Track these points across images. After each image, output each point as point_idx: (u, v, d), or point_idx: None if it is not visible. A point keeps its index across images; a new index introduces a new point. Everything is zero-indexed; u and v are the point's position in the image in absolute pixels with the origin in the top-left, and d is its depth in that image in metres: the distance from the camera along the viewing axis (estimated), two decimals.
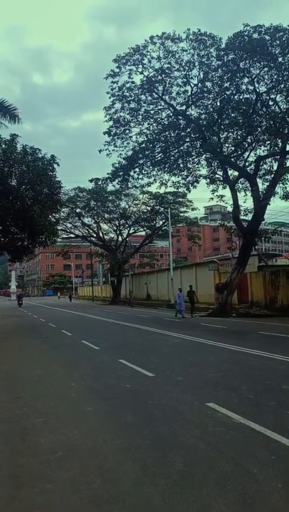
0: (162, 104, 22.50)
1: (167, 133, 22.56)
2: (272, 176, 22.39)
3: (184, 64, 21.06)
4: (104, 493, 3.48)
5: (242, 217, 23.73)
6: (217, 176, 23.20)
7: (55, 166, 20.42)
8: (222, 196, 24.31)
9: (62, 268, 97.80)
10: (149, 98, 22.24)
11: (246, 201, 25.66)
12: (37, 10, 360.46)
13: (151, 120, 22.98)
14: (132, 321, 21.00)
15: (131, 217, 46.58)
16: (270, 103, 20.88)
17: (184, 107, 22.21)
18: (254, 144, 22.37)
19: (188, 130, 22.30)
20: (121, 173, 23.78)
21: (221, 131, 21.80)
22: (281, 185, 22.82)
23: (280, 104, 20.76)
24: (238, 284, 23.53)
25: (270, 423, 4.97)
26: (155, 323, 19.45)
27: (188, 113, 22.35)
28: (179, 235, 52.41)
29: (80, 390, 7.19)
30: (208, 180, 23.25)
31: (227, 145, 22.70)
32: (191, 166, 24.03)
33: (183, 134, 22.52)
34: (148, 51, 20.98)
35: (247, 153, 22.97)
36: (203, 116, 22.17)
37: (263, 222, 25.93)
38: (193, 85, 21.56)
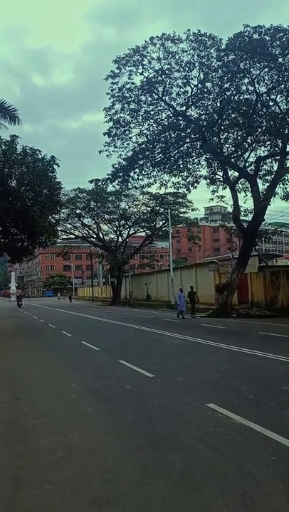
0: (162, 104, 22.52)
1: (167, 133, 22.57)
2: (272, 176, 22.40)
3: (184, 65, 21.08)
4: (104, 494, 3.48)
5: (242, 218, 23.74)
6: (217, 176, 23.23)
7: (55, 166, 20.43)
8: (222, 197, 24.37)
9: (62, 269, 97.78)
10: (149, 99, 22.26)
11: (246, 202, 25.72)
12: (37, 11, 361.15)
13: (151, 121, 23.01)
14: (131, 322, 20.99)
15: (131, 218, 46.59)
16: (271, 103, 20.91)
17: (184, 108, 22.23)
18: (254, 145, 22.39)
19: (189, 131, 22.31)
20: (121, 174, 23.80)
21: (221, 131, 21.81)
22: (281, 185, 22.86)
23: (280, 104, 20.80)
24: (238, 284, 23.52)
25: (271, 424, 4.96)
26: (155, 324, 19.44)
27: (188, 114, 22.38)
28: (179, 235, 52.40)
29: (80, 391, 7.18)
30: (208, 180, 23.28)
31: (227, 145, 22.72)
32: (191, 166, 24.06)
33: (183, 134, 22.53)
34: (148, 52, 21.02)
35: (247, 154, 23.03)
36: (203, 116, 22.18)
37: (263, 222, 25.94)
38: (193, 86, 21.61)
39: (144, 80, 21.53)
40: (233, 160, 22.64)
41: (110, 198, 44.01)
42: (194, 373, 8.20)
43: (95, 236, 49.63)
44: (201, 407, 5.81)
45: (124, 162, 23.23)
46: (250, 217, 23.39)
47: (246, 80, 20.42)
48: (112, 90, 21.85)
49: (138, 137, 23.09)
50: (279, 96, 20.63)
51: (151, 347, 12.31)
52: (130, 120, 22.67)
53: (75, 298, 73.84)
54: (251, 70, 19.89)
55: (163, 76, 21.42)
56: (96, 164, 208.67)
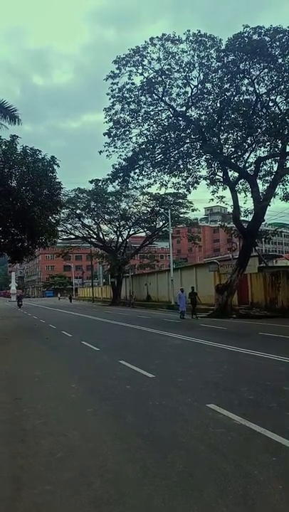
0: (162, 105, 22.51)
1: (167, 134, 22.56)
2: (272, 177, 22.39)
3: (184, 65, 21.08)
4: (104, 494, 3.48)
5: (242, 218, 23.73)
6: (217, 177, 23.20)
7: (55, 167, 20.44)
8: (222, 197, 24.32)
9: (63, 269, 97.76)
10: (149, 99, 22.25)
11: (246, 202, 25.72)
12: (37, 11, 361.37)
13: (151, 121, 23.00)
14: (132, 322, 20.98)
15: (131, 218, 46.56)
16: (270, 104, 20.90)
17: (184, 108, 22.22)
18: (254, 145, 22.38)
19: (189, 131, 22.30)
20: (121, 174, 23.79)
21: (221, 132, 21.80)
22: (281, 186, 22.86)
23: (280, 105, 20.78)
24: (238, 285, 23.51)
25: (271, 424, 4.96)
26: (155, 325, 19.43)
27: (188, 114, 22.37)
28: (179, 236, 52.36)
29: (80, 391, 7.18)
30: (208, 181, 23.25)
31: (227, 146, 22.70)
32: (191, 167, 24.04)
33: (183, 135, 22.52)
34: (148, 52, 21.01)
35: (247, 154, 23.02)
36: (203, 117, 22.17)
37: (263, 223, 25.93)
38: (193, 86, 21.60)
39: (144, 80, 21.54)
40: (233, 160, 22.64)
41: (110, 199, 43.98)
42: (194, 374, 8.20)
43: (95, 236, 49.62)
44: (201, 407, 5.81)
45: (124, 162, 23.22)
46: (250, 218, 23.39)
47: (246, 81, 20.44)
48: (112, 91, 21.87)
49: (138, 137, 23.11)
50: (279, 97, 20.64)
51: (152, 347, 12.31)
52: (130, 120, 22.67)
53: (76, 298, 73.81)
54: (251, 70, 19.89)
55: (163, 76, 21.43)
56: (96, 164, 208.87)
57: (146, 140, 22.81)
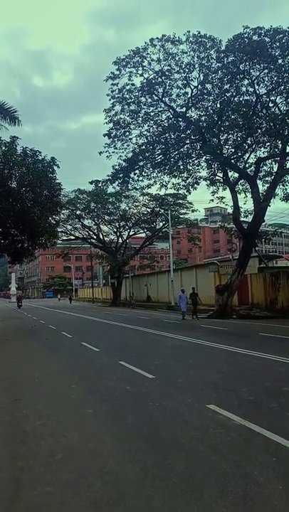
0: (162, 106, 22.53)
1: (167, 135, 22.57)
2: (272, 177, 22.39)
3: (184, 66, 21.10)
4: (104, 496, 3.47)
5: (242, 219, 23.74)
6: (217, 177, 23.21)
7: (55, 168, 20.48)
8: (222, 198, 24.34)
9: (63, 270, 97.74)
10: (149, 100, 22.27)
11: (246, 203, 25.66)
12: (37, 12, 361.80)
13: (151, 122, 23.01)
14: (132, 323, 20.98)
15: (131, 219, 46.59)
16: (270, 105, 20.91)
17: (184, 109, 22.23)
18: (254, 146, 22.39)
19: (189, 132, 22.32)
20: (121, 175, 23.81)
21: (221, 132, 21.81)
22: (281, 186, 22.86)
23: (280, 105, 20.79)
24: (238, 285, 23.51)
25: (271, 425, 4.95)
26: (155, 325, 19.43)
27: (188, 115, 22.38)
28: (179, 236, 52.31)
29: (80, 392, 7.18)
30: (208, 181, 23.26)
31: (227, 147, 22.70)
32: (191, 167, 24.05)
33: (183, 135, 22.54)
34: (148, 53, 21.03)
35: (247, 155, 23.02)
36: (203, 118, 22.18)
37: (263, 223, 25.93)
38: (193, 87, 21.61)
39: (144, 81, 21.56)
40: (233, 161, 22.65)
41: (110, 199, 44.02)
42: (194, 374, 8.20)
43: (95, 237, 49.64)
44: (202, 408, 5.80)
45: (124, 163, 23.24)
46: (250, 219, 23.40)
47: (246, 82, 20.45)
48: (112, 91, 21.89)
49: (138, 138, 23.13)
50: (279, 97, 20.65)
51: (152, 348, 12.30)
52: (130, 121, 22.68)
53: (75, 299, 73.81)
54: (251, 71, 19.91)
55: (163, 77, 21.44)
56: (96, 165, 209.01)
57: (146, 141, 22.83)
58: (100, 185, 41.51)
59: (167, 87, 21.80)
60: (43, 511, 3.32)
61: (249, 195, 23.18)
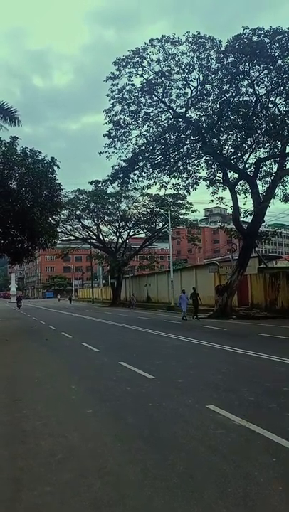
0: (162, 106, 22.53)
1: (167, 135, 22.57)
2: (272, 178, 22.41)
3: (183, 66, 21.10)
4: (104, 496, 3.47)
5: (242, 219, 23.76)
6: (217, 178, 23.23)
7: (55, 168, 20.49)
8: (222, 198, 24.39)
9: (62, 270, 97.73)
10: (149, 100, 22.27)
11: (246, 203, 25.69)
12: (36, 12, 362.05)
13: (151, 122, 23.01)
14: (132, 323, 20.98)
15: (131, 220, 46.60)
16: (270, 105, 20.92)
17: (183, 110, 22.24)
18: (254, 146, 22.40)
19: (188, 132, 22.33)
20: (121, 176, 23.81)
21: (220, 133, 21.82)
22: (281, 187, 22.90)
23: (279, 106, 20.80)
24: (238, 286, 23.51)
25: (271, 425, 4.95)
26: (155, 326, 19.43)
27: (188, 115, 22.38)
28: (179, 237, 52.30)
29: (80, 392, 7.18)
30: (208, 182, 23.28)
31: (227, 147, 22.72)
32: (190, 168, 24.06)
33: (183, 136, 22.54)
34: (148, 54, 21.03)
35: (247, 156, 23.02)
36: (202, 118, 22.19)
37: (263, 224, 25.95)
38: (192, 88, 21.62)
39: (144, 81, 21.56)
40: (232, 161, 22.66)
41: (110, 200, 44.02)
42: (194, 375, 8.20)
43: (94, 237, 49.65)
44: (202, 408, 5.80)
45: (124, 163, 23.24)
46: (249, 219, 23.41)
47: (246, 82, 20.45)
48: (111, 92, 21.88)
49: (138, 139, 23.12)
50: (278, 98, 20.65)
51: (152, 348, 12.30)
52: (130, 122, 22.68)
53: (75, 299, 73.80)
54: (251, 72, 19.91)
55: (163, 78, 21.45)
56: (96, 166, 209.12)
57: (146, 141, 22.83)
58: (99, 185, 41.54)
59: (167, 88, 21.81)
60: (43, 511, 3.32)
61: (249, 195, 23.21)
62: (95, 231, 49.07)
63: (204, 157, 23.13)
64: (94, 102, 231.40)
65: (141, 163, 23.36)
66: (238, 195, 23.33)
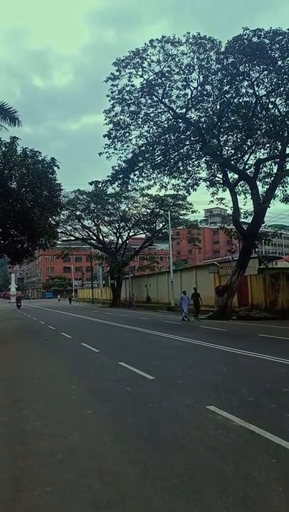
0: (162, 107, 22.54)
1: (167, 136, 22.58)
2: (272, 178, 22.43)
3: (183, 67, 21.11)
4: (104, 496, 3.48)
5: (242, 220, 23.76)
6: (217, 178, 23.25)
7: (55, 168, 20.49)
8: (222, 199, 24.41)
9: (62, 270, 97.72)
10: (149, 101, 22.28)
11: (246, 204, 25.78)
12: (37, 12, 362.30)
13: (151, 123, 23.03)
14: (131, 324, 20.97)
15: (131, 220, 46.59)
16: (270, 106, 20.94)
17: (183, 110, 22.25)
18: (254, 147, 22.42)
19: (188, 133, 22.34)
20: (121, 176, 23.81)
21: (220, 134, 21.84)
22: (281, 188, 22.92)
23: (279, 107, 20.81)
24: (238, 286, 23.51)
25: (271, 426, 4.96)
26: (155, 326, 19.43)
27: (188, 116, 22.40)
28: (179, 237, 52.27)
29: (80, 393, 7.18)
30: (208, 183, 23.30)
31: (227, 148, 22.74)
32: (191, 168, 24.08)
33: (183, 136, 22.55)
34: (148, 54, 21.04)
35: (247, 156, 23.03)
36: (203, 119, 22.21)
37: (263, 224, 25.97)
38: (193, 88, 21.62)
39: (144, 82, 21.57)
40: (232, 162, 22.67)
41: (110, 200, 44.02)
42: (194, 375, 8.20)
43: (94, 238, 49.63)
44: (201, 409, 5.81)
45: (124, 164, 23.24)
46: (250, 220, 23.42)
47: (246, 83, 20.47)
48: (112, 92, 21.89)
49: (138, 139, 23.13)
50: (278, 99, 20.66)
51: (151, 349, 12.30)
52: (130, 122, 22.69)
53: (75, 300, 73.78)
54: (251, 72, 19.93)
55: (163, 78, 21.46)
56: (96, 166, 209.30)
57: (146, 142, 22.84)
58: (99, 185, 41.42)
59: (167, 88, 21.82)
60: (43, 511, 3.32)
61: (249, 196, 23.23)
62: (95, 231, 49.06)
63: (204, 158, 23.15)
64: (94, 103, 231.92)
65: (141, 164, 23.36)
66: (238, 196, 23.36)
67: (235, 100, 20.93)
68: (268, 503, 3.29)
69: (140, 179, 24.24)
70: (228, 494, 3.42)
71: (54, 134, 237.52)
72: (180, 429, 5.04)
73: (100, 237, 49.67)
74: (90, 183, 43.38)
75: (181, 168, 23.86)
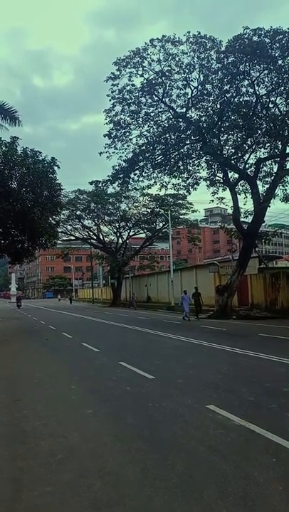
0: (162, 106, 22.52)
1: (167, 135, 22.58)
2: (272, 178, 22.42)
3: (184, 67, 21.09)
4: (104, 496, 3.47)
5: (242, 220, 23.74)
6: (217, 178, 23.23)
7: (56, 168, 20.49)
8: (222, 198, 24.38)
9: (63, 270, 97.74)
10: (150, 101, 22.26)
11: (246, 203, 25.69)
12: (37, 12, 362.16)
13: (152, 122, 23.01)
14: (131, 323, 20.98)
15: (131, 220, 46.57)
16: (270, 105, 20.91)
17: (184, 110, 22.23)
18: (254, 146, 22.40)
19: (189, 132, 22.33)
20: (121, 176, 23.80)
21: (221, 133, 21.83)
22: (281, 187, 22.90)
23: (280, 106, 20.80)
24: (238, 286, 23.51)
25: (271, 425, 4.95)
26: (155, 326, 19.43)
27: (188, 115, 22.38)
28: (179, 237, 52.25)
29: (80, 392, 7.18)
30: (208, 182, 23.28)
31: (227, 147, 22.72)
32: (191, 168, 24.07)
33: (183, 136, 22.54)
34: (148, 54, 21.01)
35: (247, 156, 23.02)
36: (203, 118, 22.19)
37: (263, 224, 25.94)
38: (193, 88, 21.61)
39: (145, 81, 21.55)
40: (233, 162, 22.65)
41: (110, 200, 44.00)
42: (194, 375, 8.20)
43: (95, 237, 49.63)
44: (201, 408, 5.80)
45: (124, 164, 23.23)
46: (250, 219, 23.41)
47: (246, 82, 20.45)
48: (112, 92, 21.87)
49: (138, 139, 23.11)
50: (279, 98, 20.65)
51: (152, 348, 12.30)
52: (130, 122, 22.67)
53: (76, 299, 73.78)
54: (251, 72, 19.91)
55: (163, 78, 21.44)
56: (96, 166, 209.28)
57: (146, 141, 22.83)
58: (100, 185, 41.44)
59: (167, 88, 21.80)
60: None
61: (249, 195, 23.22)
62: (95, 231, 49.06)
63: (204, 157, 23.13)
64: (94, 102, 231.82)
65: (141, 163, 23.35)
66: (238, 196, 23.35)
67: (236, 99, 20.92)
68: (267, 503, 3.29)
69: (140, 179, 24.24)
70: (228, 493, 3.42)
71: (54, 134, 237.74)
72: (180, 428, 5.04)
73: (100, 236, 49.67)
74: (90, 183, 43.43)
75: (182, 167, 23.86)
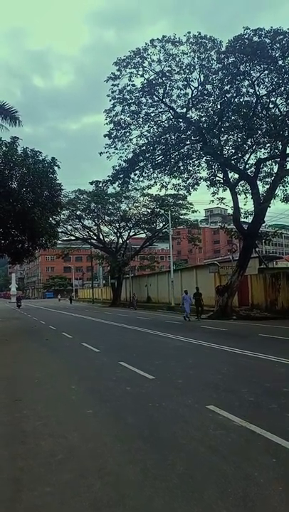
0: (163, 106, 22.53)
1: (168, 135, 22.58)
2: (272, 178, 22.42)
3: (184, 67, 21.11)
4: (104, 496, 3.47)
5: (242, 220, 23.74)
6: (217, 178, 23.23)
7: (56, 168, 20.50)
8: (222, 199, 24.38)
9: (63, 270, 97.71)
10: (150, 101, 22.27)
11: (247, 204, 25.75)
12: (37, 12, 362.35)
13: (152, 123, 23.02)
14: (132, 324, 20.97)
15: (131, 220, 46.57)
16: (271, 106, 20.93)
17: (184, 110, 22.25)
18: (254, 147, 22.41)
19: (189, 133, 22.34)
20: (121, 176, 23.81)
21: (221, 133, 21.83)
22: (281, 187, 22.92)
23: (280, 106, 20.82)
24: (238, 286, 23.50)
25: (271, 426, 4.95)
26: (155, 326, 19.43)
27: (188, 116, 22.39)
28: (180, 237, 52.25)
29: (80, 393, 7.18)
30: (208, 182, 23.29)
31: (227, 147, 22.73)
32: (191, 168, 24.08)
33: (183, 136, 22.55)
34: (148, 54, 21.03)
35: (247, 156, 23.03)
36: (203, 118, 22.20)
37: (263, 224, 25.94)
38: (193, 88, 21.62)
39: (145, 82, 21.57)
40: (233, 162, 22.66)
41: (111, 200, 44.01)
42: (194, 375, 8.20)
43: (95, 237, 49.64)
44: (202, 409, 5.80)
45: (124, 164, 23.24)
46: (250, 219, 23.40)
47: (246, 83, 20.47)
48: (112, 92, 21.88)
49: (138, 139, 23.13)
50: (279, 98, 20.67)
51: (152, 349, 12.30)
52: (131, 122, 22.68)
53: (76, 299, 73.76)
54: (251, 72, 19.93)
55: (163, 78, 21.45)
56: (96, 166, 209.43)
57: (146, 141, 22.84)
58: (100, 185, 41.54)
59: (168, 88, 21.82)
60: None
61: (249, 196, 23.21)
62: (95, 231, 49.06)
63: (205, 157, 23.14)
64: (94, 103, 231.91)
65: (141, 164, 23.36)
66: (238, 196, 23.35)
67: (236, 100, 20.93)
68: (268, 503, 3.28)
69: (141, 179, 24.27)
70: (229, 494, 3.42)
71: (54, 134, 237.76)
72: (180, 429, 5.04)
73: (101, 236, 49.68)
74: (91, 183, 43.50)
75: (182, 167, 23.87)
